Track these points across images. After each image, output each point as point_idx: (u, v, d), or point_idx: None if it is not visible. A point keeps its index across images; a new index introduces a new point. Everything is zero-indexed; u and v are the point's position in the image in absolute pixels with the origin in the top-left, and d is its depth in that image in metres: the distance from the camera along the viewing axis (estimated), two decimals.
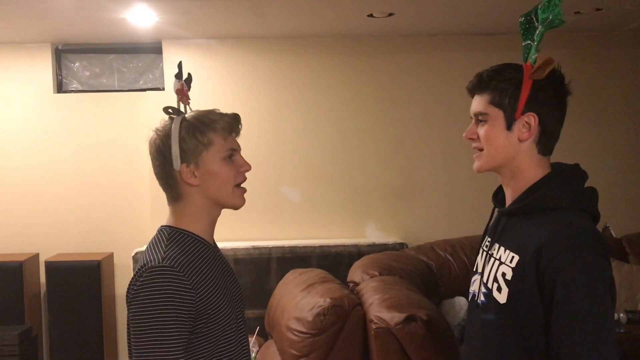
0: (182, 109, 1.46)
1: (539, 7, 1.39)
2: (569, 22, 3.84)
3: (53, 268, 3.77)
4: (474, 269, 1.54)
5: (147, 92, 4.14)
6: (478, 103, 1.42)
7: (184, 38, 4.03)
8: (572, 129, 4.31)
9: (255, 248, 3.90)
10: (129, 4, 3.16)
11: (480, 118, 1.41)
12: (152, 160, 1.43)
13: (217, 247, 1.51)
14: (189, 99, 1.47)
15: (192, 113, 1.44)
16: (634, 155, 4.30)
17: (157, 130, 1.42)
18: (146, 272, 1.28)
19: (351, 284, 3.18)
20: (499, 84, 1.37)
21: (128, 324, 1.33)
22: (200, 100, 4.78)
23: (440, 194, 4.25)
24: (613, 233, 4.08)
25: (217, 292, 1.36)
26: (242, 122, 1.44)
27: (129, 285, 1.33)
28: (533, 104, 1.35)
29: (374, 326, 2.46)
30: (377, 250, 3.84)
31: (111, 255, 4.05)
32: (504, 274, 1.34)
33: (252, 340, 3.21)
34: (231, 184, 1.40)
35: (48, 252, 4.02)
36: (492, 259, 1.42)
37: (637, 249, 3.92)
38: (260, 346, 3.24)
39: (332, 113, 4.18)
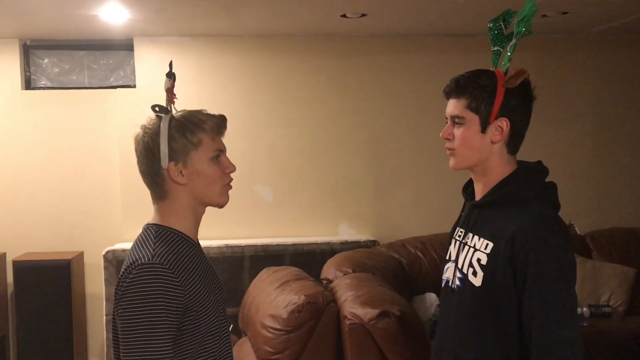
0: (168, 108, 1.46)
1: (516, 21, 1.50)
2: (535, 25, 3.94)
3: (21, 268, 3.70)
4: (447, 257, 1.65)
5: (118, 89, 4.10)
6: (455, 107, 1.52)
7: (156, 35, 4.00)
8: (538, 128, 4.41)
9: (228, 246, 3.90)
10: (101, 1, 3.13)
11: (457, 121, 1.52)
12: (138, 157, 1.42)
13: (200, 246, 1.52)
14: (176, 98, 1.48)
15: (181, 112, 1.44)
16: (597, 155, 4.45)
17: (144, 127, 1.41)
18: (136, 269, 1.29)
19: (325, 281, 3.22)
20: (475, 91, 1.48)
21: (115, 321, 1.33)
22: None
23: (410, 192, 4.32)
24: (577, 230, 4.21)
25: (203, 290, 1.38)
26: None
27: (118, 282, 1.33)
28: (505, 110, 1.47)
29: (348, 322, 2.50)
30: (350, 247, 3.89)
31: (81, 254, 4.00)
32: (479, 260, 1.47)
33: None
34: (219, 184, 1.42)
35: (16, 251, 3.96)
36: (467, 247, 1.53)
37: (599, 246, 4.05)
38: (234, 344, 3.26)
39: (304, 112, 4.21)
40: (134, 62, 4.09)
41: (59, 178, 4.06)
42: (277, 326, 2.61)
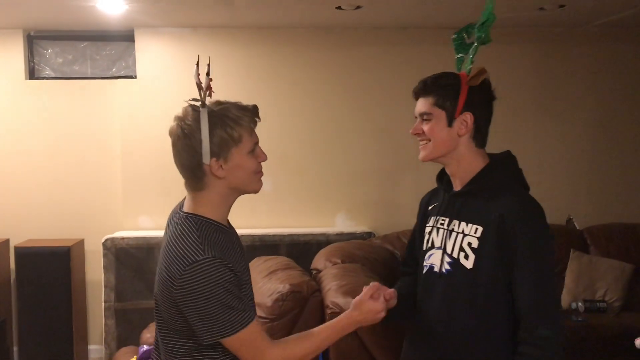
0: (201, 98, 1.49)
1: (476, 26, 1.64)
2: (534, 17, 3.91)
3: (23, 254, 3.78)
4: (430, 245, 1.74)
5: (120, 79, 4.15)
6: (423, 104, 1.66)
7: (156, 26, 4.05)
8: (537, 122, 4.43)
9: None
10: None
11: (425, 117, 1.66)
12: (178, 151, 1.45)
13: (233, 228, 1.62)
14: (213, 92, 1.53)
15: (217, 106, 1.47)
16: (597, 150, 4.40)
17: (181, 120, 1.44)
18: (197, 265, 1.37)
19: (314, 271, 3.25)
20: (441, 89, 1.63)
21: (159, 308, 1.48)
22: (172, 89, 4.74)
23: (409, 185, 4.32)
24: (576, 225, 4.18)
25: (244, 267, 1.52)
26: None
27: (169, 279, 1.39)
28: (469, 105, 1.62)
29: (329, 311, 2.53)
30: (345, 239, 3.91)
31: (82, 242, 4.08)
32: (469, 244, 1.61)
33: None
34: (254, 174, 1.52)
35: (18, 237, 4.05)
36: (454, 234, 1.65)
37: (597, 241, 4.02)
38: None
39: (302, 104, 4.23)
40: (135, 53, 4.14)
41: (61, 166, 4.14)
42: (262, 314, 2.65)
